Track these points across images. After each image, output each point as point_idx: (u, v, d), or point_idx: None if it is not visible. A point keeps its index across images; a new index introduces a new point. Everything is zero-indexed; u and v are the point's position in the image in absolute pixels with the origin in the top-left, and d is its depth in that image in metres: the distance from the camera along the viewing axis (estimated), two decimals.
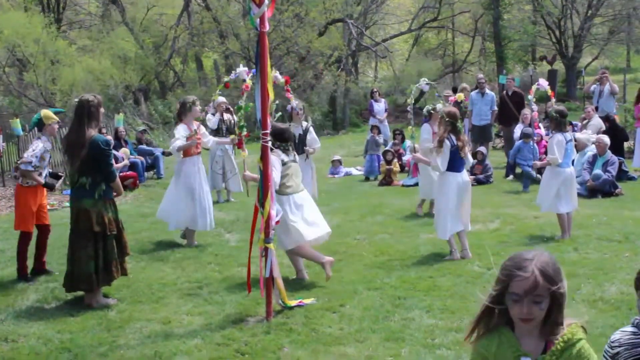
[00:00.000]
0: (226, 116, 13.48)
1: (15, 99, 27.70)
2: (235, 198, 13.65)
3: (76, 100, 7.37)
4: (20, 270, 8.29)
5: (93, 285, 7.08)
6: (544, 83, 12.98)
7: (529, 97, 13.14)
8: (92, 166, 7.01)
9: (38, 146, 8.12)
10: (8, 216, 12.74)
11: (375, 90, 21.38)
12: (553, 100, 13.32)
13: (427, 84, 11.73)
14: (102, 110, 7.26)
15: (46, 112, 8.26)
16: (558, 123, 9.44)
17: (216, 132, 13.34)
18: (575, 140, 14.42)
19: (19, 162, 8.27)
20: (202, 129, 10.27)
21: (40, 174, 8.19)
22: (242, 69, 9.20)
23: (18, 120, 15.14)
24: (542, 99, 16.76)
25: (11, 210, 13.39)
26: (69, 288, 7.26)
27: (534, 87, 12.98)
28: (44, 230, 8.56)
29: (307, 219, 7.76)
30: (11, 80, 27.18)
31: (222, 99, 13.76)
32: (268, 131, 6.57)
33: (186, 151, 9.74)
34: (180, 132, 9.69)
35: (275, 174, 7.14)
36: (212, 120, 13.35)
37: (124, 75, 27.46)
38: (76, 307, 7.16)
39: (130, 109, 26.05)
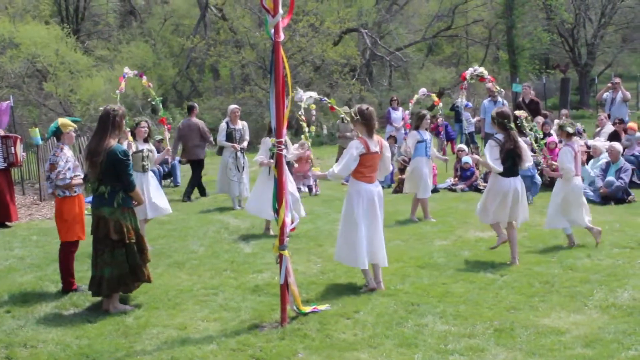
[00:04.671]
0: (240, 124, 13.65)
1: (34, 108, 28.01)
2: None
3: (101, 109, 7.46)
4: (64, 284, 8.09)
5: (105, 291, 7.19)
6: (422, 91, 13.36)
7: (410, 105, 13.46)
8: (111, 175, 7.10)
9: (67, 156, 7.99)
10: (27, 224, 12.91)
11: (394, 98, 21.39)
12: (438, 107, 13.95)
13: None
14: (124, 121, 7.41)
15: (64, 121, 8.29)
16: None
17: (228, 139, 13.50)
18: (589, 148, 14.48)
19: (55, 179, 7.92)
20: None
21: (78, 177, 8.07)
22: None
23: (37, 129, 15.40)
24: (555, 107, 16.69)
25: (31, 218, 13.62)
26: (92, 292, 7.38)
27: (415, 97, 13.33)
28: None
29: None
30: (31, 90, 27.47)
31: (234, 106, 13.96)
32: (283, 139, 6.65)
33: None
34: None
35: None
36: (224, 127, 13.56)
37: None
38: (94, 313, 7.27)
39: (149, 118, 26.23)
